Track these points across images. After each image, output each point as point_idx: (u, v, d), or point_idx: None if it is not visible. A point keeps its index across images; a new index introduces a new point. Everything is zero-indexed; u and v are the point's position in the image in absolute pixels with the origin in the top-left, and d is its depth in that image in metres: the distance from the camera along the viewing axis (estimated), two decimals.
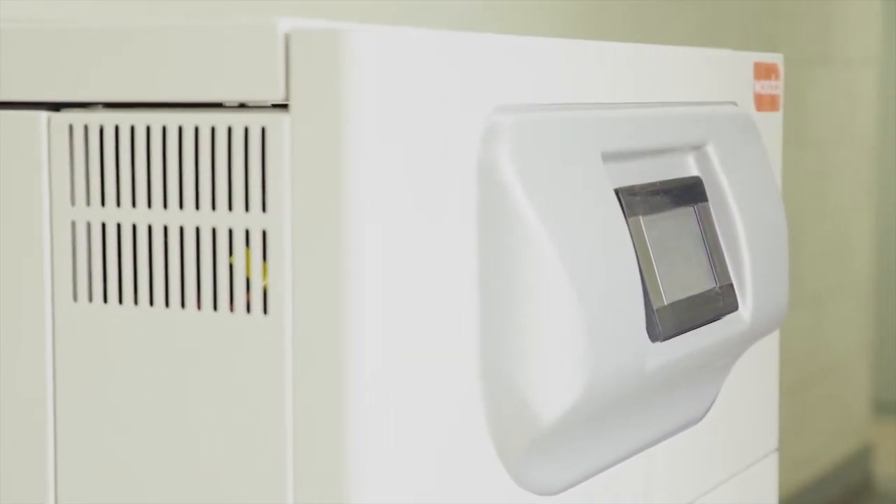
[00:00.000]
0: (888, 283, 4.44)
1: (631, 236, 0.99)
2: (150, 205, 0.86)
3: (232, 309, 0.84)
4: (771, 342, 1.31)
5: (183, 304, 0.85)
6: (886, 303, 4.41)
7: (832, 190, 3.55)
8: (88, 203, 0.88)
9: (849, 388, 3.76)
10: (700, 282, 1.08)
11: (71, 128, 0.88)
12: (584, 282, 0.91)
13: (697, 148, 1.14)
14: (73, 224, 0.88)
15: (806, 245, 3.37)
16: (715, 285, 1.10)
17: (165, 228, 0.86)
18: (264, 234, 0.83)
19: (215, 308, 0.84)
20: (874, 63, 3.82)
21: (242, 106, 0.84)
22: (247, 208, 0.83)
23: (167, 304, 0.86)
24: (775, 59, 1.30)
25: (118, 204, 0.87)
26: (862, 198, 3.77)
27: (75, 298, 0.88)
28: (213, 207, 0.84)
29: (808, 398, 3.46)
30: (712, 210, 1.13)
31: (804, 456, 3.44)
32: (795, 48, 3.25)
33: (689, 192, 1.10)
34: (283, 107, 0.82)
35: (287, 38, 0.81)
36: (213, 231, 0.84)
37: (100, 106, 0.88)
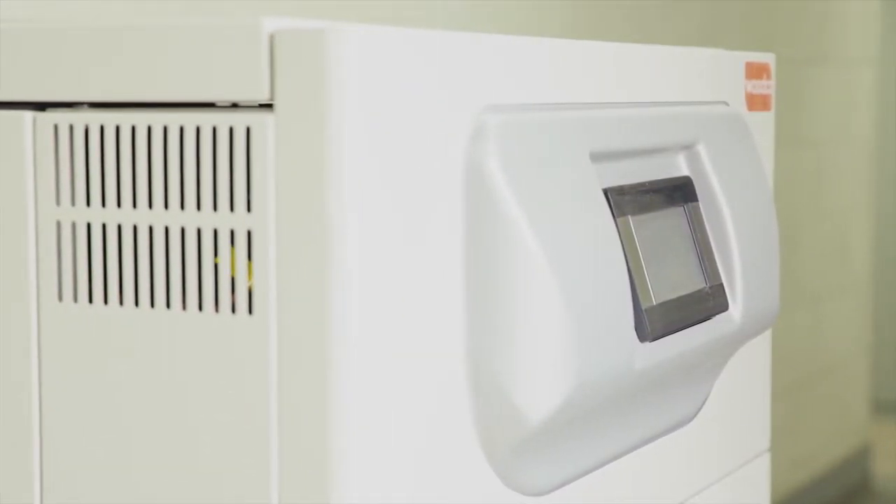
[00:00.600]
0: (887, 283, 4.44)
1: (619, 236, 0.99)
2: (135, 205, 0.86)
3: (217, 309, 0.84)
4: (763, 342, 1.30)
5: (168, 305, 0.85)
6: (885, 302, 4.41)
7: (831, 189, 3.55)
8: (74, 203, 0.87)
9: (847, 387, 3.76)
10: (690, 282, 1.08)
11: (56, 127, 0.88)
12: (571, 282, 0.91)
13: (688, 148, 1.13)
14: (59, 224, 0.88)
15: (805, 245, 3.37)
16: (705, 285, 1.10)
17: (150, 228, 0.85)
18: (249, 234, 0.82)
19: (200, 308, 0.84)
20: (873, 62, 3.82)
21: (227, 106, 0.84)
22: (231, 208, 0.83)
23: (152, 304, 0.86)
24: (767, 58, 1.30)
25: (103, 204, 0.87)
26: (861, 198, 3.77)
27: (60, 298, 0.88)
28: (199, 207, 0.84)
29: (807, 398, 3.46)
30: (702, 210, 1.13)
31: (803, 456, 3.44)
32: (794, 47, 3.25)
33: (679, 192, 1.10)
34: (268, 107, 0.82)
35: (272, 38, 0.81)
36: (198, 231, 0.84)
37: (85, 106, 0.88)
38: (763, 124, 1.28)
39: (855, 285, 3.77)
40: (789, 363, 3.28)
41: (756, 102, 1.27)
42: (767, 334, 1.31)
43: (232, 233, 0.83)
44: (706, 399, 1.21)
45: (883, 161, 4.25)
